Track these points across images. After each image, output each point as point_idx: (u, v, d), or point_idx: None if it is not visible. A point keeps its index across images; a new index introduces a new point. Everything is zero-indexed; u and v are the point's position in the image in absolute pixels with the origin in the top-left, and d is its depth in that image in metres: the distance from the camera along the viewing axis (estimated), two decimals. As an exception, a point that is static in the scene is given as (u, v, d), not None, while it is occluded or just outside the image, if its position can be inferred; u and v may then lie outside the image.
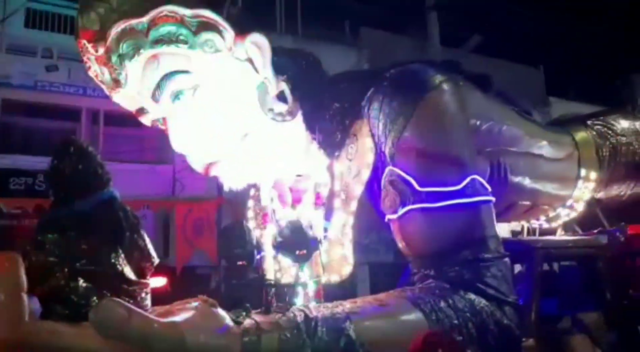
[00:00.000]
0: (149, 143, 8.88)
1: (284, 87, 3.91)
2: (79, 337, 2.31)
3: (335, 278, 4.20)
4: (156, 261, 2.73)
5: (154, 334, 2.39)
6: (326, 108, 4.17)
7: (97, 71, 3.69)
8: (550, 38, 13.46)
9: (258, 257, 3.72)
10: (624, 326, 4.41)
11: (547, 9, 13.13)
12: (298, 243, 3.70)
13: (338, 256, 4.20)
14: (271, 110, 3.84)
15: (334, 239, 4.24)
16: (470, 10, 12.00)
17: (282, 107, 3.91)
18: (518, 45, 13.32)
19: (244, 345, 2.73)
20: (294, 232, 3.72)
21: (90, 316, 2.25)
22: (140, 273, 2.62)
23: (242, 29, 3.88)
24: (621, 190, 5.63)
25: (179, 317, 2.59)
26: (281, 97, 3.94)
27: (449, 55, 10.65)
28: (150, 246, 2.73)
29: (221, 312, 2.77)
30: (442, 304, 3.35)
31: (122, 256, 2.52)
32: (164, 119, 3.94)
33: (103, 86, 3.79)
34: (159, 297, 3.07)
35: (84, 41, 3.52)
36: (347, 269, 4.18)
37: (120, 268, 2.50)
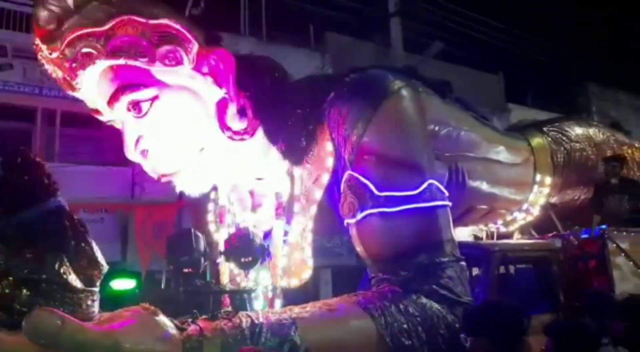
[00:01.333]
0: (107, 144, 8.65)
1: (245, 103, 3.89)
2: (18, 346, 2.26)
3: (295, 282, 4.19)
4: (105, 268, 2.67)
5: (87, 343, 2.35)
6: (289, 115, 4.16)
7: (51, 70, 3.59)
8: (510, 46, 13.80)
9: (206, 263, 3.68)
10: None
11: (507, 19, 13.49)
12: (244, 250, 3.71)
13: (298, 260, 4.19)
14: (229, 129, 3.81)
15: (293, 243, 4.23)
16: (432, 18, 12.21)
17: (241, 125, 3.88)
18: (479, 53, 13.62)
19: (185, 351, 2.69)
20: (240, 240, 3.75)
21: (23, 325, 2.20)
22: (88, 281, 2.56)
23: (204, 30, 3.85)
24: (575, 195, 5.79)
25: (117, 325, 2.54)
26: (242, 111, 3.92)
27: (412, 60, 10.79)
28: (98, 254, 2.67)
29: (163, 319, 2.73)
30: (393, 308, 3.35)
31: (68, 264, 2.47)
32: (120, 121, 3.86)
33: (60, 83, 3.69)
34: (126, 301, 3.05)
35: (38, 40, 3.41)
36: (307, 273, 4.17)
37: (65, 276, 2.44)
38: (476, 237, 5.84)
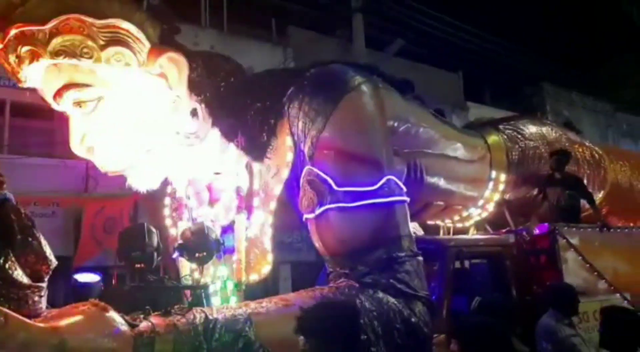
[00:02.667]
0: (60, 136, 8.38)
1: (197, 106, 3.83)
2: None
3: (254, 277, 4.16)
4: (54, 263, 2.59)
5: (31, 340, 2.29)
6: (248, 109, 4.11)
7: None
8: (469, 46, 14.06)
9: (160, 259, 3.62)
10: (528, 321, 4.64)
11: (467, 19, 13.74)
12: (198, 245, 3.67)
13: (257, 255, 4.16)
14: (178, 133, 3.77)
15: (253, 238, 4.20)
16: (395, 15, 12.31)
17: (191, 128, 3.84)
18: (439, 51, 13.82)
19: (135, 348, 2.66)
20: (195, 235, 3.70)
21: None
22: (36, 276, 2.47)
23: (161, 20, 3.76)
24: (528, 191, 5.94)
25: (63, 322, 2.47)
26: (194, 113, 3.87)
27: (373, 57, 10.87)
28: (47, 249, 2.58)
29: (113, 315, 2.67)
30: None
31: (13, 259, 2.38)
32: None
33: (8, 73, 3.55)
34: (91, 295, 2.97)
35: None
36: (266, 268, 4.14)
37: (10, 272, 2.36)
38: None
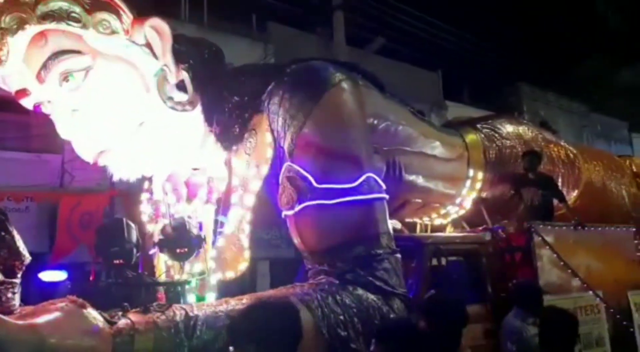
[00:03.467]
0: (35, 130, 8.21)
1: (185, 76, 3.78)
2: None
3: (230, 274, 4.13)
4: (27, 259, 2.53)
5: (9, 337, 2.23)
6: (226, 101, 4.08)
7: None
8: (449, 45, 14.19)
9: (139, 254, 3.57)
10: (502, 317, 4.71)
11: (447, 19, 13.87)
12: (179, 241, 3.63)
13: (234, 251, 4.14)
14: (170, 98, 3.69)
15: (230, 235, 4.17)
16: (375, 14, 12.35)
17: (181, 97, 3.77)
18: (419, 50, 13.91)
19: (115, 345, 2.62)
20: (176, 230, 3.66)
21: None
22: (9, 272, 2.41)
23: (141, 14, 3.71)
24: (504, 190, 6.01)
25: (41, 319, 2.42)
26: (181, 86, 3.80)
27: (354, 54, 10.87)
28: (20, 244, 2.52)
29: (92, 312, 2.63)
30: (330, 300, 3.38)
31: (-15, 254, 2.32)
32: (49, 102, 3.64)
33: None
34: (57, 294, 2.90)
35: None
36: (243, 265, 4.12)
37: (-18, 267, 2.30)
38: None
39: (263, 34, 12.01)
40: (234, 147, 4.13)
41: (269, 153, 4.04)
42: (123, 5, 3.42)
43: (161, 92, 3.65)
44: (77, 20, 3.21)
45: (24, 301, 2.77)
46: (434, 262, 5.12)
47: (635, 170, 7.79)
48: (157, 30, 3.59)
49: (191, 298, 3.91)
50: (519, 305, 4.22)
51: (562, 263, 5.12)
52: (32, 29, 3.19)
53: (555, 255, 5.10)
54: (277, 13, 12.33)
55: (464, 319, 2.79)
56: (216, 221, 4.21)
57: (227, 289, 4.08)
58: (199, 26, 10.81)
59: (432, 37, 13.88)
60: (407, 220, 5.88)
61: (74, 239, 7.51)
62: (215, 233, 4.27)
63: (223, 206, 4.27)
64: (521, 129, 6.39)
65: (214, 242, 4.22)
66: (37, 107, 3.65)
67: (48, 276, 4.84)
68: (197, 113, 3.96)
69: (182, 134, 3.95)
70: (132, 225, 3.58)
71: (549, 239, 5.15)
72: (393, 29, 13.12)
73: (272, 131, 4.03)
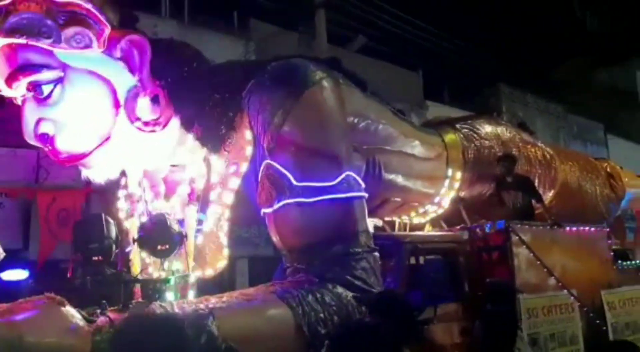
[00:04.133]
0: (10, 125, 8.05)
1: (158, 92, 3.74)
2: None
3: (209, 272, 4.12)
4: (1, 255, 2.48)
5: None
6: (206, 100, 4.05)
7: None
8: (430, 45, 14.29)
9: (117, 251, 3.53)
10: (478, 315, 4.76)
11: (428, 19, 13.97)
12: (161, 237, 3.59)
13: (213, 249, 4.12)
14: (138, 119, 3.66)
15: (209, 232, 4.15)
16: (357, 12, 12.37)
17: (152, 115, 3.75)
18: (400, 50, 13.99)
19: (94, 344, 2.59)
20: (156, 226, 3.61)
21: None
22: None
23: (120, 9, 3.65)
24: (483, 189, 6.08)
25: (19, 317, 2.38)
26: (155, 100, 3.77)
27: (335, 53, 10.84)
28: None
29: (70, 310, 2.59)
30: (310, 297, 3.40)
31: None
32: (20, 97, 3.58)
33: None
34: (19, 293, 2.82)
35: None
36: (222, 263, 4.11)
37: (-47, 263, 2.25)
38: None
39: (244, 31, 11.93)
40: (224, 148, 4.08)
41: (249, 151, 4.02)
42: (101, 17, 3.37)
43: (130, 111, 3.62)
44: (48, 36, 3.16)
45: None
46: (412, 260, 5.17)
47: (609, 171, 7.94)
48: (135, 45, 3.56)
49: (170, 296, 3.88)
50: (492, 303, 4.30)
51: (538, 262, 5.20)
52: (0, 41, 3.15)
53: (531, 254, 5.18)
54: (258, 10, 12.27)
55: (409, 315, 2.89)
56: (199, 221, 4.18)
57: (205, 287, 4.06)
58: (179, 22, 10.72)
59: (413, 37, 13.96)
60: (387, 218, 5.91)
61: (53, 236, 7.39)
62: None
63: (202, 203, 4.23)
64: (500, 129, 6.46)
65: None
66: (8, 99, 3.60)
67: (8, 275, 4.73)
68: (174, 119, 3.92)
69: (157, 137, 3.91)
70: (111, 221, 3.55)
71: (526, 238, 5.22)
72: (375, 28, 13.16)
73: (251, 128, 4.02)
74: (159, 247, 3.60)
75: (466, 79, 15.48)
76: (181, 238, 3.73)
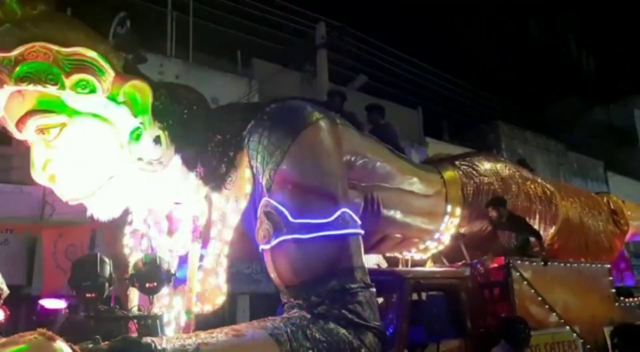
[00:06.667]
0: (16, 161, 8.19)
1: (160, 133, 3.88)
2: None
3: (208, 308, 4.14)
4: (5, 292, 2.53)
5: None
6: (208, 140, 4.17)
7: None
8: (429, 84, 14.57)
9: (112, 289, 3.61)
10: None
11: (427, 59, 14.29)
12: (149, 276, 3.69)
13: (212, 285, 4.15)
14: (140, 159, 3.79)
15: (208, 268, 4.19)
16: (358, 52, 12.68)
17: (154, 155, 3.88)
18: (400, 88, 14.27)
19: None
20: (146, 265, 3.72)
21: None
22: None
23: (127, 49, 3.82)
24: (482, 225, 6.09)
25: (8, 350, 2.41)
26: (157, 140, 3.91)
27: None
28: None
29: (61, 345, 2.62)
30: (300, 334, 3.40)
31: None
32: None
33: None
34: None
35: None
36: (220, 299, 4.13)
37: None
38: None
39: (247, 70, 12.22)
40: (223, 185, 4.18)
41: (248, 188, 4.10)
42: (106, 64, 3.53)
43: (132, 152, 3.76)
44: (54, 83, 3.33)
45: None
46: (415, 296, 5.17)
47: (612, 207, 7.94)
48: (137, 90, 3.72)
49: (170, 332, 3.91)
50: (506, 339, 4.31)
51: (539, 298, 5.19)
52: (9, 89, 3.32)
53: (532, 290, 5.18)
54: (261, 50, 12.59)
55: None
56: (202, 257, 4.24)
57: (206, 324, 4.06)
58: (184, 61, 10.99)
59: (413, 76, 14.25)
60: (388, 254, 5.93)
61: (63, 272, 7.41)
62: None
63: (203, 239, 4.29)
64: (499, 166, 6.49)
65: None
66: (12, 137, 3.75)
67: (50, 303, 4.79)
68: (175, 158, 4.05)
69: (160, 176, 4.02)
70: (106, 260, 3.63)
71: (526, 274, 5.23)
72: (375, 67, 13.46)
73: (251, 167, 4.10)
74: (147, 285, 3.69)
75: (465, 117, 15.69)
76: (169, 277, 3.81)
